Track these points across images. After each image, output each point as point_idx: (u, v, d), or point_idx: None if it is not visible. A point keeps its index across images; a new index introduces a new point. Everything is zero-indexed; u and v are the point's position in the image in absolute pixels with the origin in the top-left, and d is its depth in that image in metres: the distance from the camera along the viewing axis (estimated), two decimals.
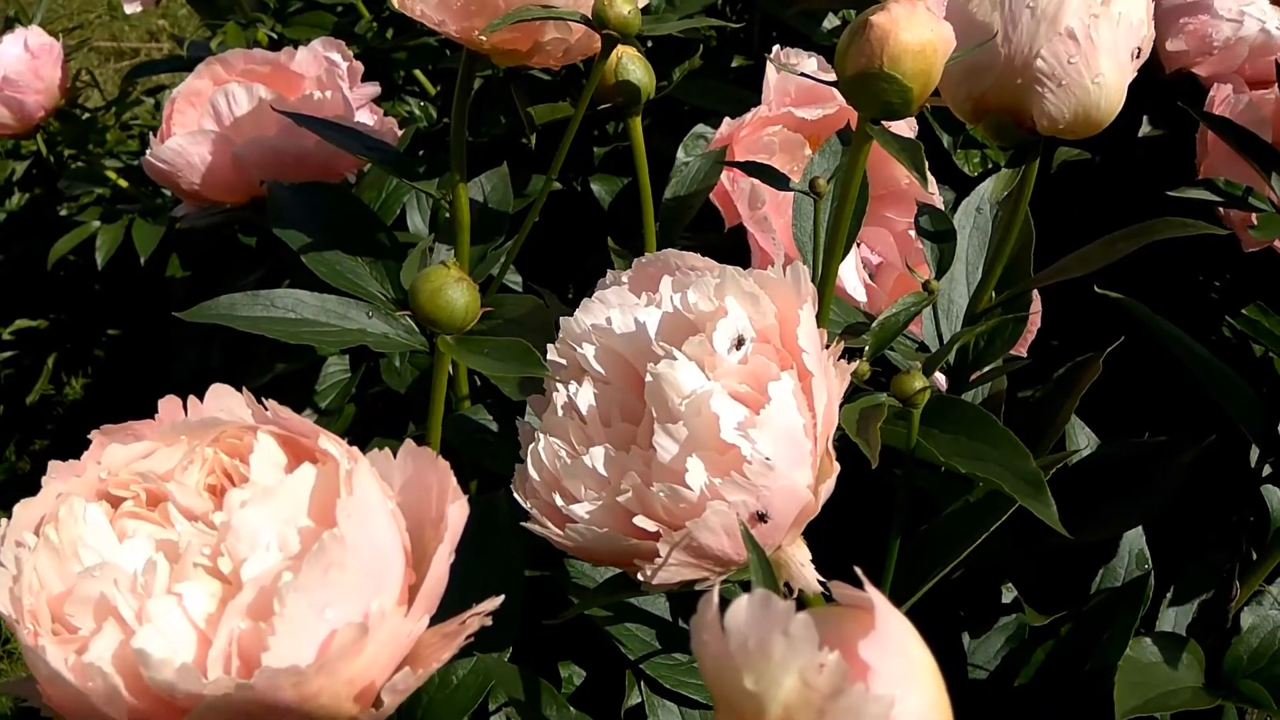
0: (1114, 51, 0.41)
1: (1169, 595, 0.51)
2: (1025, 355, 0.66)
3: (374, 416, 0.78)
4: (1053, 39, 0.40)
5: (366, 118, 0.69)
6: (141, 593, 0.22)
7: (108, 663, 0.20)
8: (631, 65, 0.50)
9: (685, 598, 0.46)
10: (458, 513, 0.24)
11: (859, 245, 0.65)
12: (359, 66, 0.68)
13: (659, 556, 0.30)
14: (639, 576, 0.30)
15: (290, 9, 0.83)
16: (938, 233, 0.52)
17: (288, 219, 0.59)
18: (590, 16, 0.46)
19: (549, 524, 0.32)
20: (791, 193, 0.54)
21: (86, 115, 0.85)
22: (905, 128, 0.62)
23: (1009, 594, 0.56)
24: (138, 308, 1.01)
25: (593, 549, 0.31)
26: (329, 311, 0.56)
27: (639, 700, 0.43)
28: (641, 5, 0.46)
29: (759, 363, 0.30)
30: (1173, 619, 0.51)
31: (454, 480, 0.25)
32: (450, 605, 0.43)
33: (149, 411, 0.26)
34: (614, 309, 0.34)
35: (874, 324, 0.42)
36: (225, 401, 0.24)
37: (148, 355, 1.01)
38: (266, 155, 0.63)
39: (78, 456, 0.25)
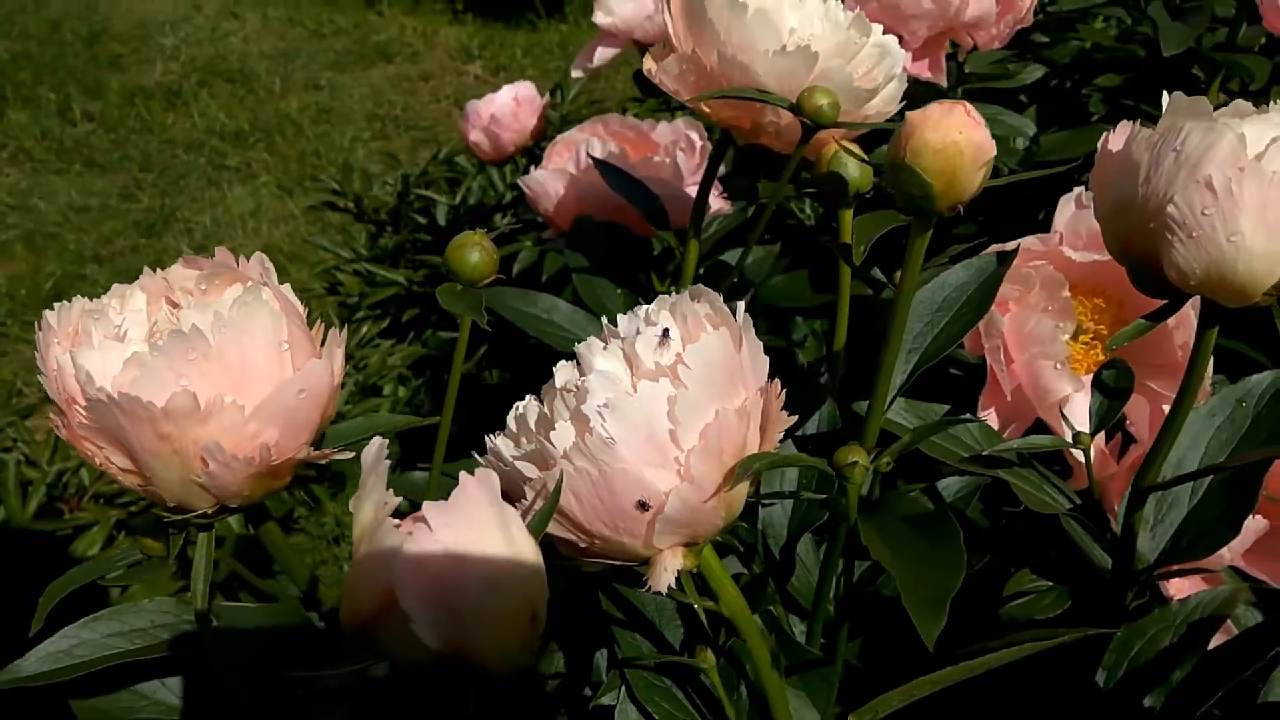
0: (1262, 212, 0.37)
1: None
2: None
3: None
4: (1189, 186, 0.38)
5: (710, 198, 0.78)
6: (111, 336, 0.33)
7: (69, 360, 0.32)
8: (845, 159, 0.53)
9: (693, 631, 0.48)
10: (312, 367, 0.32)
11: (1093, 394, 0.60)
12: (708, 146, 0.78)
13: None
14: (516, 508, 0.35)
15: None
16: (1114, 389, 0.48)
17: (583, 245, 0.71)
18: (795, 103, 0.51)
19: (490, 458, 0.38)
20: (1033, 330, 0.55)
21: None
22: None
23: None
24: None
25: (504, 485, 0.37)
26: (574, 322, 0.67)
27: (612, 703, 0.46)
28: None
29: (660, 370, 0.34)
30: None
31: (331, 347, 0.33)
32: None
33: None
34: (637, 319, 0.40)
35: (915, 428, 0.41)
36: (255, 265, 0.35)
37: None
38: (599, 197, 0.75)
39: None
